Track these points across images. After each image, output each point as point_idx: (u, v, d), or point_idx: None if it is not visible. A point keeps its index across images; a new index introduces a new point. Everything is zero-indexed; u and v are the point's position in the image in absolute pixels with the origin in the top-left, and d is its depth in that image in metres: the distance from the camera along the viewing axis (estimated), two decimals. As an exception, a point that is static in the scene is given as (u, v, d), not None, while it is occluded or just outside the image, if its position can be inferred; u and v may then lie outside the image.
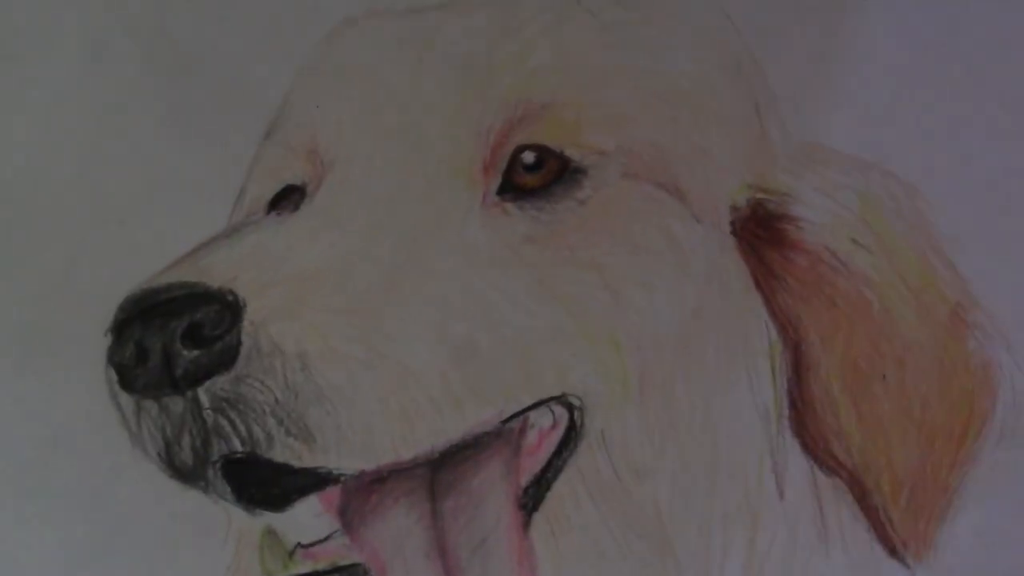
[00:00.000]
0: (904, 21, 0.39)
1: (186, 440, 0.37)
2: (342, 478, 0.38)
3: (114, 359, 0.38)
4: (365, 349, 0.37)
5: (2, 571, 0.40)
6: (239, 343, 0.36)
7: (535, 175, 0.39)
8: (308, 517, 0.40)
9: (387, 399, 0.38)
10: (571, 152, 0.39)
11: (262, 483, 0.38)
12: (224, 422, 0.37)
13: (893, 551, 0.40)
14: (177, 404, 0.37)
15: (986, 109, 0.39)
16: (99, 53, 0.39)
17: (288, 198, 0.40)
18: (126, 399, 0.38)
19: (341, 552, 0.40)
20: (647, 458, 0.40)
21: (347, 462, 0.37)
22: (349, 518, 0.40)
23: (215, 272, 0.37)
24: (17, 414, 0.39)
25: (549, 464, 0.40)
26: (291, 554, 0.41)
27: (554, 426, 0.39)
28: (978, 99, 0.39)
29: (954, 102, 0.40)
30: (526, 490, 0.39)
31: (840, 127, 0.40)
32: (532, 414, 0.39)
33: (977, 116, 0.39)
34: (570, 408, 0.39)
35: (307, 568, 0.41)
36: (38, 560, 0.40)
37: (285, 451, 0.36)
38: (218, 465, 0.37)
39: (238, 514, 0.39)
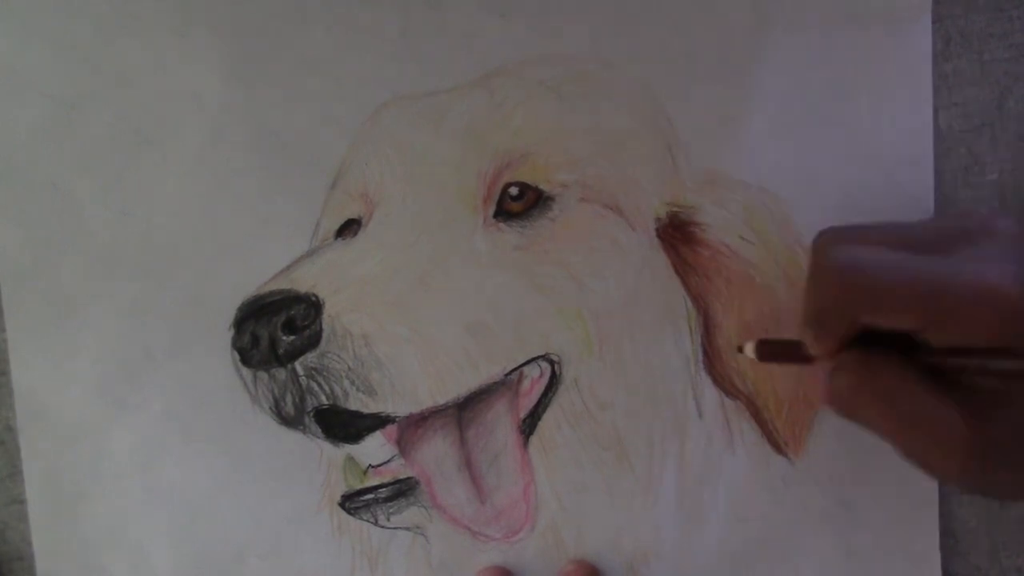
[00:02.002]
0: (775, 87, 0.40)
1: (288, 398, 0.40)
2: (397, 418, 0.41)
3: (236, 345, 0.41)
4: (408, 330, 0.40)
5: (166, 493, 0.42)
6: (321, 330, 0.39)
7: (519, 203, 0.41)
8: (375, 447, 0.42)
9: (425, 364, 0.40)
10: (543, 186, 0.40)
11: (343, 425, 0.41)
12: (314, 384, 0.40)
13: (779, 449, 0.41)
14: (281, 374, 0.40)
15: (831, 143, 0.40)
16: (215, 138, 0.41)
17: (349, 228, 0.41)
18: (246, 372, 0.41)
19: (399, 470, 0.42)
20: (606, 395, 0.41)
21: (399, 408, 0.40)
22: (404, 446, 0.42)
23: (301, 281, 0.40)
24: (172, 384, 0.42)
25: (539, 402, 0.41)
26: (365, 472, 0.42)
27: (541, 376, 0.41)
28: (824, 137, 0.40)
29: (808, 140, 0.40)
30: (524, 421, 0.41)
31: (729, 159, 0.40)
32: (525, 368, 0.41)
33: (823, 149, 0.40)
34: (552, 363, 0.41)
35: (376, 482, 0.42)
36: (192, 484, 0.42)
37: (357, 402, 0.40)
38: (312, 414, 0.40)
39: (327, 447, 0.42)
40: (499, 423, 0.41)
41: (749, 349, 0.38)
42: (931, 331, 0.30)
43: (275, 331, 0.40)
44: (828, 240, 0.33)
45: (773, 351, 0.38)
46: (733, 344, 0.41)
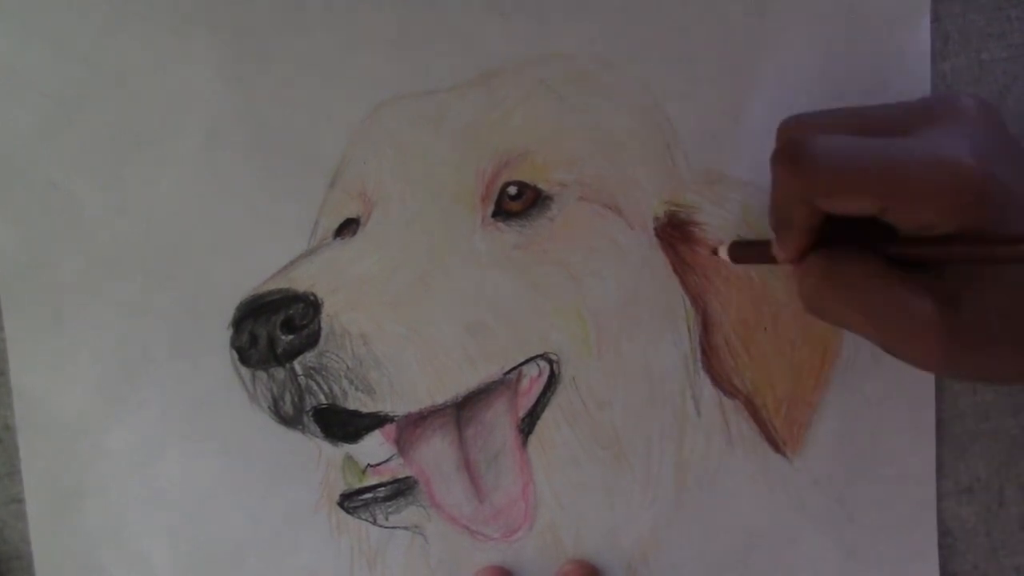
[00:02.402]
0: (775, 87, 0.40)
1: (287, 397, 0.40)
2: (396, 418, 0.40)
3: (235, 344, 0.41)
4: (406, 329, 0.40)
5: (166, 492, 0.42)
6: (320, 329, 0.39)
7: (518, 202, 0.40)
8: (374, 446, 0.41)
9: (423, 363, 0.40)
10: (542, 185, 0.40)
11: (341, 424, 0.41)
12: (313, 384, 0.40)
13: (777, 449, 0.41)
14: (280, 373, 0.40)
15: None
16: (214, 138, 0.40)
17: (348, 227, 0.41)
18: (244, 371, 0.41)
19: (398, 469, 0.42)
20: (605, 394, 0.41)
21: (398, 407, 0.40)
22: (402, 445, 0.41)
23: (300, 280, 0.40)
24: (171, 383, 0.42)
25: (538, 402, 0.41)
26: (363, 472, 0.42)
27: (539, 375, 0.41)
28: None
29: None
30: (523, 420, 0.41)
31: (729, 159, 0.40)
32: (524, 367, 0.41)
33: None
34: (550, 362, 0.41)
35: (375, 481, 0.42)
36: (191, 484, 0.42)
37: (355, 401, 0.40)
38: (310, 413, 0.40)
39: (326, 446, 0.42)
40: (498, 422, 0.41)
41: (723, 251, 0.38)
42: (891, 213, 0.30)
43: (274, 330, 0.40)
44: (787, 129, 0.34)
45: (746, 253, 0.38)
46: (730, 344, 0.41)
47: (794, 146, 0.32)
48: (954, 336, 0.31)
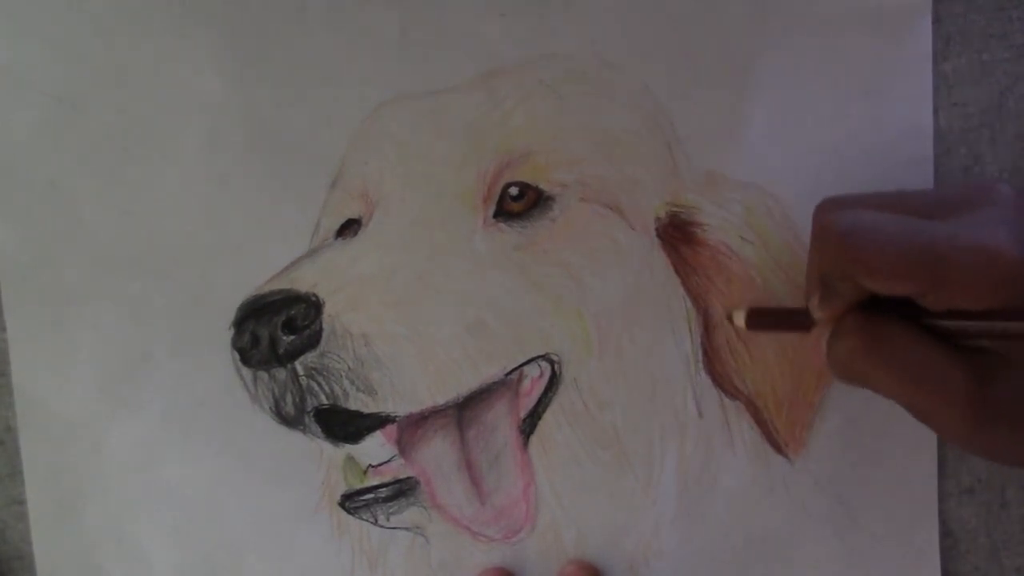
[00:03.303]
0: (775, 87, 0.40)
1: (288, 398, 0.40)
2: (397, 418, 0.40)
3: (236, 344, 0.41)
4: (407, 329, 0.40)
5: (166, 492, 0.42)
6: (321, 329, 0.39)
7: (519, 203, 0.40)
8: (375, 446, 0.41)
9: (424, 363, 0.40)
10: (543, 185, 0.40)
11: (343, 425, 0.41)
12: (314, 384, 0.39)
13: (778, 449, 0.41)
14: (281, 374, 0.40)
15: (831, 143, 0.40)
16: (214, 138, 0.40)
17: (349, 228, 0.41)
18: (246, 372, 0.41)
19: (399, 470, 0.42)
20: (606, 395, 0.41)
21: (399, 408, 0.40)
22: (404, 446, 0.41)
23: (302, 281, 0.40)
24: (172, 384, 0.42)
25: (539, 402, 0.41)
26: (364, 472, 0.42)
27: (541, 375, 0.41)
28: (824, 137, 0.40)
29: (808, 140, 0.40)
30: (524, 421, 0.41)
31: (729, 159, 0.40)
32: (525, 368, 0.41)
33: (823, 149, 0.40)
34: (552, 362, 0.41)
35: (376, 481, 0.42)
36: (191, 483, 0.42)
37: (357, 402, 0.40)
38: (312, 414, 0.40)
39: (327, 447, 0.42)
40: (499, 423, 0.41)
41: (739, 317, 0.38)
42: (931, 296, 0.30)
43: (275, 331, 0.39)
44: (829, 206, 0.33)
45: (764, 320, 0.38)
46: (731, 345, 0.41)
47: (838, 222, 0.31)
48: (985, 412, 0.31)
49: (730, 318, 0.38)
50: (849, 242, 0.31)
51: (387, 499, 0.42)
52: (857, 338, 0.33)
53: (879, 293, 0.31)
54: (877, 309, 0.32)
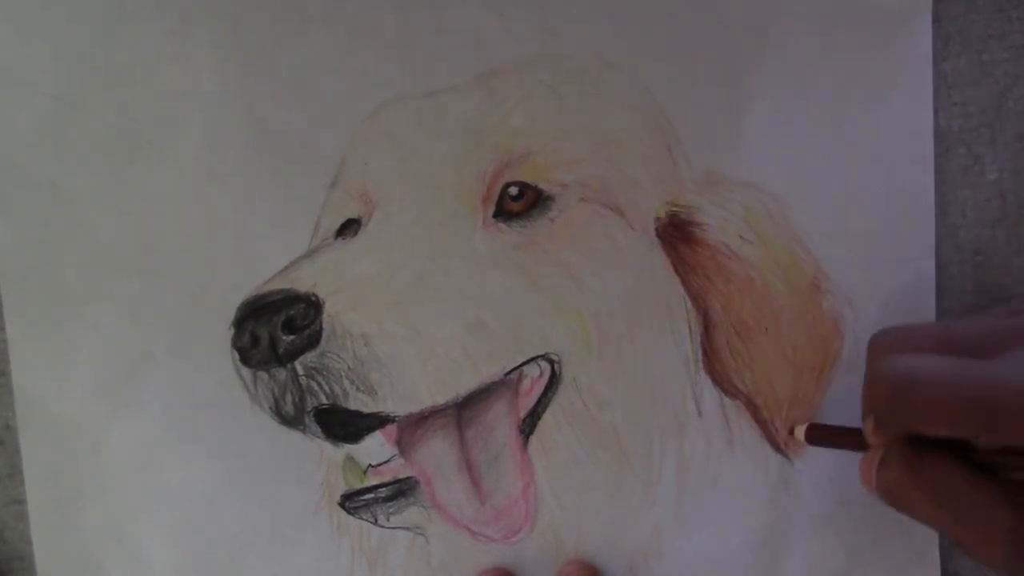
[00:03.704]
0: (775, 87, 0.40)
1: (288, 398, 0.40)
2: (397, 418, 0.40)
3: (236, 344, 0.41)
4: (407, 329, 0.40)
5: (166, 492, 0.42)
6: (321, 329, 0.39)
7: (519, 202, 0.40)
8: (375, 446, 0.41)
9: (424, 363, 0.40)
10: (543, 185, 0.40)
11: (342, 424, 0.40)
12: (314, 384, 0.39)
13: (778, 449, 0.41)
14: (281, 373, 0.40)
15: (831, 143, 0.40)
16: (214, 138, 0.40)
17: (349, 227, 0.41)
18: (246, 372, 0.41)
19: (399, 469, 0.41)
20: (606, 395, 0.41)
21: (399, 407, 0.40)
22: (403, 445, 0.41)
23: (302, 281, 0.40)
24: (172, 384, 0.42)
25: (539, 402, 0.41)
26: (364, 472, 0.42)
27: (540, 375, 0.41)
28: (824, 137, 0.40)
29: (808, 140, 0.40)
30: (524, 420, 0.41)
31: (729, 159, 0.40)
32: (525, 368, 0.41)
33: (823, 149, 0.40)
34: (551, 362, 0.41)
35: (376, 481, 0.42)
36: (191, 483, 0.42)
37: (356, 402, 0.40)
38: (311, 414, 0.40)
39: (327, 447, 0.42)
40: (499, 423, 0.41)
41: (799, 432, 0.39)
42: (983, 438, 0.31)
43: (275, 331, 0.39)
44: (882, 345, 0.34)
45: (823, 436, 0.39)
46: (731, 344, 0.41)
47: (892, 369, 0.32)
48: None
49: (791, 432, 0.40)
50: (902, 391, 0.31)
51: (387, 499, 0.42)
52: (903, 469, 0.33)
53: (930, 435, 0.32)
54: (925, 440, 0.33)
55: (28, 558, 0.43)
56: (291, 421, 0.41)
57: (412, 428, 0.41)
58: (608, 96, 0.40)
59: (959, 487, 0.32)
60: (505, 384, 0.41)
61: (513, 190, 0.40)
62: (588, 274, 0.41)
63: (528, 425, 0.41)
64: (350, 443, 0.41)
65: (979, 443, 0.31)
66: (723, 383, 0.41)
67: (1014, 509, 0.31)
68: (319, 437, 0.41)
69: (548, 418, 0.41)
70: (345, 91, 0.41)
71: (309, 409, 0.40)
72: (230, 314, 0.41)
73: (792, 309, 0.40)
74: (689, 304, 0.41)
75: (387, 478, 0.42)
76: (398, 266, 0.40)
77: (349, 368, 0.39)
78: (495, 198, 0.41)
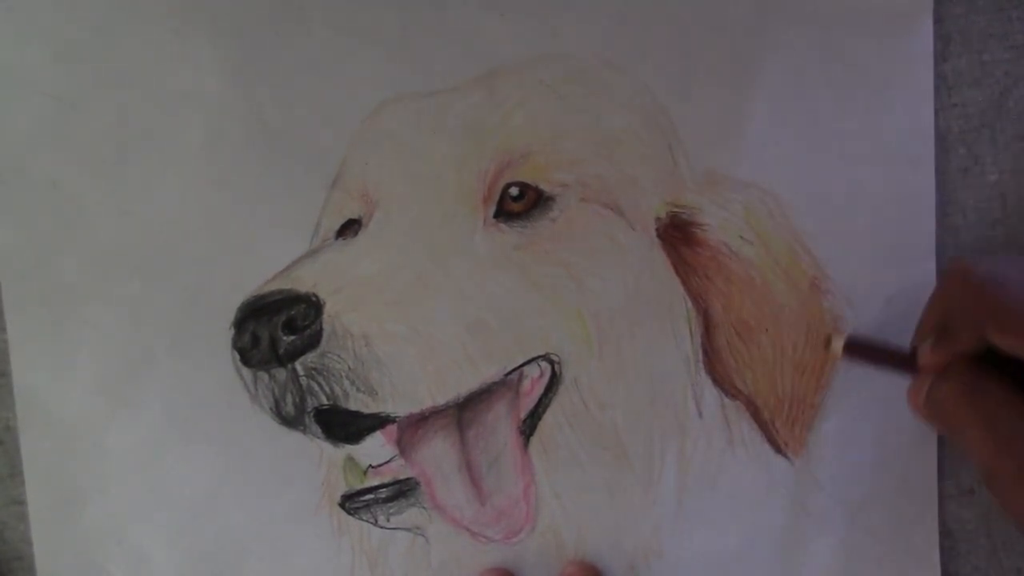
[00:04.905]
0: (775, 87, 0.40)
1: (289, 398, 0.40)
2: (397, 419, 0.40)
3: (236, 345, 0.41)
4: (408, 330, 0.39)
5: (166, 493, 0.42)
6: (321, 329, 0.39)
7: (519, 203, 0.40)
8: (375, 447, 0.41)
9: (424, 363, 0.40)
10: (543, 186, 0.40)
11: (343, 425, 0.40)
12: (314, 384, 0.39)
13: (779, 449, 0.41)
14: (281, 374, 0.39)
15: (831, 143, 0.40)
16: (214, 138, 0.40)
17: (349, 228, 0.41)
18: (246, 372, 0.41)
19: (399, 470, 0.41)
20: (607, 395, 0.41)
21: (399, 408, 0.40)
22: (404, 446, 0.41)
23: (302, 281, 0.40)
24: (172, 384, 0.42)
25: (539, 402, 0.41)
26: (364, 473, 0.42)
27: (541, 376, 0.41)
28: (824, 136, 0.40)
29: (808, 140, 0.40)
30: (524, 421, 0.41)
31: (729, 159, 0.40)
32: (525, 368, 0.41)
33: (823, 149, 0.40)
34: (552, 363, 0.41)
35: (376, 482, 0.41)
36: (191, 483, 0.42)
37: (357, 402, 0.39)
38: (312, 414, 0.40)
39: (327, 447, 0.41)
40: (499, 424, 0.41)
41: (837, 344, 0.37)
42: None
43: (275, 331, 0.39)
44: (966, 259, 0.33)
45: (863, 351, 0.37)
46: (732, 345, 0.40)
47: (977, 272, 0.31)
48: None
49: (827, 342, 0.38)
50: (989, 291, 0.30)
51: (387, 499, 0.42)
52: (960, 388, 0.32)
53: (1000, 349, 0.31)
54: (986, 364, 0.32)
55: (28, 558, 0.43)
56: (291, 421, 0.41)
57: (412, 428, 0.41)
58: (608, 96, 0.40)
59: (1012, 416, 0.31)
60: (505, 384, 0.41)
61: (514, 190, 0.40)
62: (588, 274, 0.41)
63: (529, 426, 0.41)
64: (350, 443, 0.41)
65: None
66: (723, 383, 0.41)
67: None
68: (319, 437, 0.41)
69: (549, 418, 0.41)
70: (345, 91, 0.41)
71: (309, 409, 0.40)
72: (230, 314, 0.41)
73: (792, 309, 0.40)
74: (689, 304, 0.41)
75: (387, 479, 0.42)
76: (398, 266, 0.40)
77: (349, 368, 0.39)
78: (496, 198, 0.41)
